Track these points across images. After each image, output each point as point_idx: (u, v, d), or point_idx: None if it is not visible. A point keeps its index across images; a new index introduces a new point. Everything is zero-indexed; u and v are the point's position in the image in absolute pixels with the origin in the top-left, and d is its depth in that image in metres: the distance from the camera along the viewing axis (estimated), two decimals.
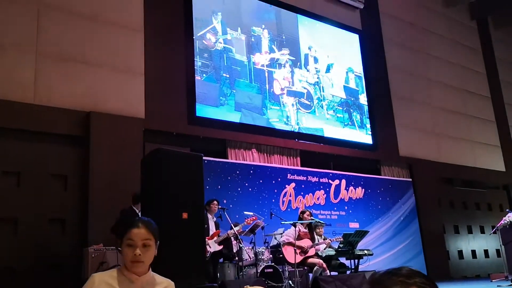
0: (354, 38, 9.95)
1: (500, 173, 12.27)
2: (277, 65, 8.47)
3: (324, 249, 6.20)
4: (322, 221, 6.51)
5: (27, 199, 5.62)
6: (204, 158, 4.73)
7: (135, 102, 6.70)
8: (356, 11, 10.20)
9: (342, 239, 6.09)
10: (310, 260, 5.93)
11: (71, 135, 6.11)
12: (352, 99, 9.49)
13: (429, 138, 10.82)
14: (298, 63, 8.79)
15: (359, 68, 9.82)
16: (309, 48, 9.07)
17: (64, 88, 6.17)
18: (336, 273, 5.98)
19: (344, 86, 9.45)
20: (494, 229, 8.24)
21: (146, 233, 1.59)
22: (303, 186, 8.02)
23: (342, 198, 8.54)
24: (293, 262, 5.48)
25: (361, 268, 6.31)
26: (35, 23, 6.13)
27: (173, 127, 6.91)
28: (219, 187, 6.99)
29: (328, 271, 5.87)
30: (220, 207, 6.02)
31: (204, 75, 7.45)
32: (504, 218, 7.95)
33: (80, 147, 6.13)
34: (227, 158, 7.30)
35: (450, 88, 11.90)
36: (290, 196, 7.80)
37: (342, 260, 6.31)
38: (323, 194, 8.28)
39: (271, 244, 6.13)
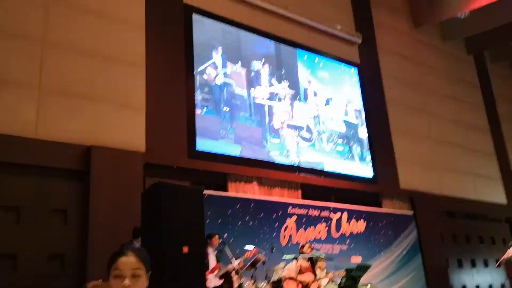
0: (353, 72, 10.07)
1: (502, 206, 12.20)
2: (277, 98, 8.55)
3: (327, 283, 6.10)
4: (323, 255, 6.43)
5: (26, 234, 5.56)
6: (204, 192, 4.73)
7: (136, 136, 6.73)
8: (354, 45, 10.36)
9: (344, 274, 6.00)
10: None
11: (71, 170, 6.11)
12: (352, 132, 9.53)
13: (430, 171, 10.81)
14: (298, 97, 8.87)
15: (358, 102, 9.91)
16: (309, 82, 9.17)
17: (66, 123, 6.21)
18: None
19: (344, 119, 9.50)
20: (498, 263, 8.13)
21: (135, 262, 1.43)
22: (304, 219, 7.96)
23: (344, 231, 8.46)
24: None
25: None
26: (39, 59, 6.22)
27: (173, 161, 6.91)
28: (220, 221, 6.94)
29: None
30: (220, 240, 5.96)
31: (205, 108, 7.51)
32: (508, 251, 7.86)
33: (80, 182, 6.11)
34: (228, 192, 7.27)
35: (449, 121, 11.97)
36: (291, 230, 7.73)
37: None
38: (325, 228, 8.21)
39: (272, 279, 6.04)
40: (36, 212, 5.71)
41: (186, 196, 4.18)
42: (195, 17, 7.89)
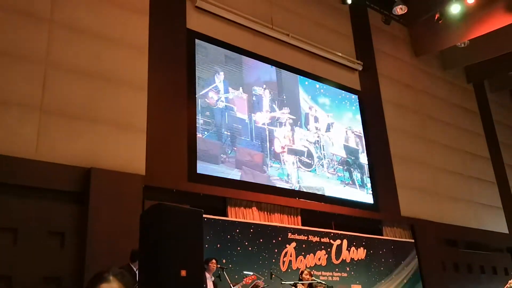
0: (354, 98, 10.13)
1: (503, 235, 12.09)
2: (277, 123, 8.57)
3: None
4: (323, 282, 6.34)
5: (22, 256, 5.49)
6: (204, 216, 4.68)
7: (136, 158, 6.72)
8: (355, 73, 10.45)
9: None
10: None
11: (70, 192, 6.07)
12: (353, 158, 9.52)
13: (431, 199, 10.75)
14: (299, 122, 8.90)
15: (359, 128, 9.93)
16: (310, 108, 9.21)
17: (66, 144, 6.21)
18: None
19: (344, 145, 9.51)
20: None
21: None
22: (304, 245, 7.87)
23: (344, 258, 8.36)
24: None
25: None
26: (41, 80, 6.26)
27: (173, 184, 6.87)
28: (219, 245, 6.87)
29: None
30: (218, 266, 5.88)
31: (206, 132, 7.52)
32: (509, 281, 7.76)
33: (79, 204, 6.07)
34: (227, 216, 7.21)
35: (449, 149, 11.97)
36: (290, 256, 7.64)
37: None
38: (325, 255, 8.11)
39: None
40: (34, 234, 5.65)
41: (186, 218, 4.14)
42: (198, 42, 7.98)
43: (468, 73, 13.67)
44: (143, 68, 7.26)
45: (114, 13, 7.23)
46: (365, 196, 9.38)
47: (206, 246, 6.12)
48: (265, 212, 7.72)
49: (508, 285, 7.71)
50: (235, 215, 7.34)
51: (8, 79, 5.98)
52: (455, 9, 10.50)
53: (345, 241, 8.47)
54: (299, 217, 8.12)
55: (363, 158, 9.72)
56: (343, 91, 10.02)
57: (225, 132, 7.77)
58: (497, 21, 10.45)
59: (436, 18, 10.93)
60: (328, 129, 9.36)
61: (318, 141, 9.07)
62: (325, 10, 10.45)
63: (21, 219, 5.62)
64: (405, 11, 10.26)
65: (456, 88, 13.24)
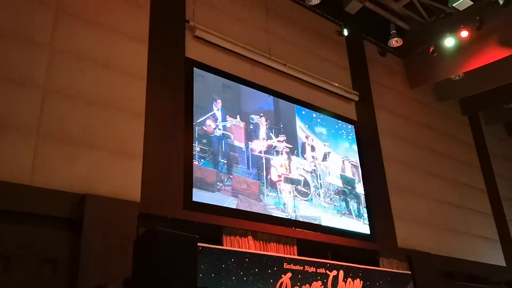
0: (350, 128, 10.18)
1: (501, 268, 11.97)
2: (274, 152, 8.58)
3: None
4: None
5: (15, 284, 5.39)
6: (199, 244, 4.62)
7: (132, 185, 6.69)
8: (351, 103, 10.54)
9: None
10: None
11: (64, 218, 6.00)
12: (349, 188, 9.50)
13: (428, 230, 10.69)
14: (295, 151, 8.91)
15: (355, 158, 9.94)
16: (306, 137, 9.24)
17: (62, 170, 6.18)
18: None
19: (341, 175, 9.50)
20: None
21: None
22: (300, 276, 7.75)
23: None
24: None
25: None
26: (39, 106, 6.28)
27: (168, 212, 6.81)
28: (213, 275, 6.75)
29: None
30: None
31: (202, 160, 7.51)
32: None
33: (72, 230, 5.99)
34: (222, 245, 7.12)
35: (446, 180, 11.98)
36: (286, 286, 7.52)
37: None
38: (321, 286, 7.98)
39: None
40: (26, 261, 5.57)
41: (180, 244, 4.09)
42: (196, 70, 8.06)
43: (463, 105, 13.82)
44: (141, 95, 7.30)
45: (114, 40, 7.31)
46: (362, 226, 9.31)
47: (201, 275, 6.03)
48: (261, 242, 7.64)
49: None
50: (231, 244, 7.25)
51: (5, 104, 6.00)
52: (449, 43, 10.71)
53: (341, 272, 8.35)
54: (295, 247, 8.03)
55: (360, 188, 9.70)
56: (340, 121, 10.07)
57: (222, 160, 7.76)
58: (491, 55, 10.62)
59: (430, 51, 11.13)
60: (325, 158, 9.37)
61: (314, 170, 9.06)
62: (322, 42, 10.62)
63: (13, 246, 5.54)
64: (400, 43, 10.45)
65: (452, 119, 13.35)
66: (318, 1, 9.50)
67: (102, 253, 5.86)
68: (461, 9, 9.66)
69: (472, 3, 9.33)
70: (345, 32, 10.74)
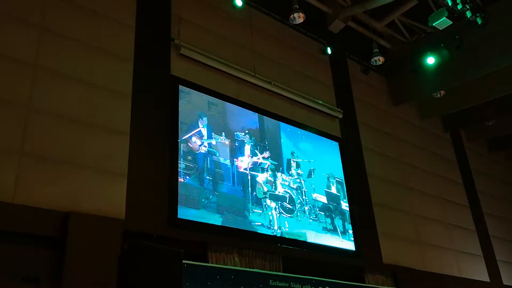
0: (334, 145, 10.27)
1: (485, 284, 12.06)
2: (259, 169, 8.60)
3: None
4: None
5: None
6: (184, 261, 4.60)
7: (116, 202, 6.65)
8: (335, 120, 10.66)
9: None
10: None
11: (47, 236, 5.94)
12: (334, 204, 9.54)
13: (412, 247, 10.75)
14: (281, 168, 8.95)
15: (340, 174, 10.01)
16: (292, 153, 9.30)
17: (45, 188, 6.13)
18: None
19: (326, 191, 9.55)
20: None
21: None
22: None
23: None
24: None
25: None
26: (23, 124, 6.25)
27: (153, 229, 6.77)
28: None
29: None
30: None
31: (187, 177, 7.50)
32: None
33: (56, 249, 5.93)
34: (208, 262, 7.09)
35: (429, 196, 12.10)
36: None
37: None
38: None
39: None
40: (8, 279, 5.48)
41: (165, 258, 4.08)
42: (182, 88, 8.10)
43: (445, 122, 14.04)
44: (126, 113, 7.31)
45: (99, 58, 7.34)
46: (347, 243, 9.34)
47: None
48: (247, 258, 7.62)
49: None
50: (216, 261, 7.22)
51: None
52: (430, 61, 10.94)
53: None
54: (281, 264, 8.02)
55: (345, 205, 9.75)
56: (324, 138, 10.16)
57: (207, 177, 7.77)
58: (471, 73, 10.88)
59: (412, 69, 11.35)
60: (310, 175, 9.42)
61: (300, 187, 9.10)
62: (306, 60, 10.77)
63: None
64: (382, 61, 10.62)
65: (434, 136, 13.54)
66: (302, 20, 9.63)
67: (86, 271, 5.79)
68: (441, 29, 9.88)
69: (451, 22, 9.56)
70: (329, 51, 10.92)
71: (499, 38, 10.13)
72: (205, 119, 8.20)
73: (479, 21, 9.65)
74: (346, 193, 9.91)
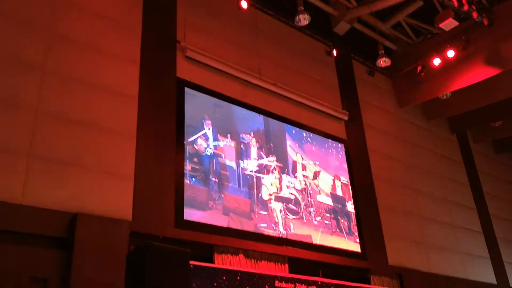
0: (340, 147, 10.29)
1: (491, 286, 12.01)
2: (265, 171, 8.65)
3: None
4: None
5: None
6: (190, 262, 4.65)
7: (123, 204, 6.72)
8: (341, 122, 10.67)
9: None
10: None
11: (55, 237, 6.01)
12: (340, 206, 9.56)
13: (418, 248, 10.74)
14: (286, 170, 8.99)
15: (345, 176, 10.02)
16: (297, 155, 9.33)
17: (53, 190, 6.20)
18: None
19: (331, 193, 9.57)
20: None
21: None
22: None
23: None
24: None
25: None
26: (31, 128, 6.32)
27: (159, 230, 6.83)
28: None
29: None
30: None
31: (193, 179, 7.56)
32: None
33: (64, 249, 6.00)
34: (214, 263, 7.14)
35: (436, 198, 12.07)
36: None
37: None
38: None
39: None
40: (16, 280, 5.55)
41: (172, 258, 4.12)
42: (188, 90, 8.16)
43: (451, 123, 14.01)
44: (133, 116, 7.38)
45: (106, 62, 7.42)
46: (353, 244, 9.35)
47: None
48: (252, 260, 7.66)
49: None
50: (222, 262, 7.27)
51: None
52: (436, 62, 10.93)
53: None
54: (286, 265, 8.05)
55: (350, 207, 9.76)
56: (330, 140, 10.18)
57: (213, 179, 7.81)
58: (478, 74, 10.84)
59: (418, 70, 11.34)
60: (315, 177, 9.45)
61: (305, 188, 9.13)
62: (311, 62, 10.80)
63: (4, 265, 5.52)
64: (389, 63, 10.63)
65: (441, 138, 13.51)
66: (307, 22, 9.67)
67: (93, 272, 5.85)
68: (447, 30, 9.86)
69: (457, 23, 9.54)
70: (334, 53, 10.94)
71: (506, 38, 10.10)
72: (210, 121, 8.25)
73: (485, 22, 9.62)
74: (351, 195, 9.92)
